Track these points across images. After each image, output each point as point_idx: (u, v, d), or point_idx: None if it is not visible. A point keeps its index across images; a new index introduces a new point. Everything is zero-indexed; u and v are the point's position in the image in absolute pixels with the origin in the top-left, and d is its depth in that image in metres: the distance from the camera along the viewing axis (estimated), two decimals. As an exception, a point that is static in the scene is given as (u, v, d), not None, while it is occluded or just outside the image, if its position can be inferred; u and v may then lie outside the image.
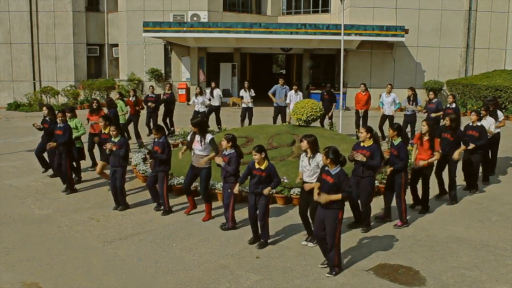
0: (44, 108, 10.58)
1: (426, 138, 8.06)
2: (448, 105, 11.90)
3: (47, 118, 10.38)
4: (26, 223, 7.95)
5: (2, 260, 6.53)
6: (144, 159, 10.99)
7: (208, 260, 6.51)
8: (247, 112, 14.76)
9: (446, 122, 8.91)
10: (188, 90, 22.61)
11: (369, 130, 7.37)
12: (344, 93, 17.87)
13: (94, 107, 11.34)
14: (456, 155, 8.62)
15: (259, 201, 6.83)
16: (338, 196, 5.81)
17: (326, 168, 6.04)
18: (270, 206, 8.46)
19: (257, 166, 6.79)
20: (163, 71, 23.10)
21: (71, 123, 10.11)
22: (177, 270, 6.22)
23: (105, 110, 11.81)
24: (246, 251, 6.78)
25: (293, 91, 14.09)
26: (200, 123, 8.00)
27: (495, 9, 21.70)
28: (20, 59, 23.62)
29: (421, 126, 8.19)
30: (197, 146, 7.92)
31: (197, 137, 7.91)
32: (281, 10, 25.23)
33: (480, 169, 9.85)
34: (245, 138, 10.67)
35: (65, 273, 6.18)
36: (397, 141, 7.60)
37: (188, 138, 8.22)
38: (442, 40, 21.66)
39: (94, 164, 11.03)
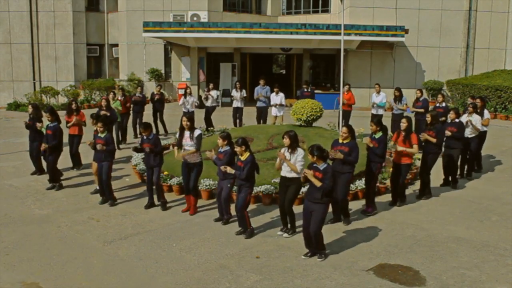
0: (30, 106, 10.82)
1: (403, 134, 8.42)
2: (437, 104, 12.01)
3: (31, 115, 10.59)
4: (26, 223, 7.95)
5: (2, 260, 6.53)
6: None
7: (208, 260, 6.51)
8: (237, 113, 14.78)
9: (427, 119, 9.15)
10: (188, 90, 22.60)
11: (350, 129, 7.66)
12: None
13: (73, 108, 11.08)
14: (423, 136, 8.83)
15: (239, 194, 7.21)
16: (318, 183, 6.19)
17: (314, 164, 6.38)
18: (271, 206, 8.52)
19: (240, 157, 7.22)
20: (163, 71, 23.09)
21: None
22: (177, 270, 6.22)
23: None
24: (246, 251, 6.78)
25: (274, 93, 13.98)
26: (192, 119, 8.35)
27: (495, 9, 21.68)
28: (20, 59, 23.61)
29: (401, 123, 8.50)
30: (187, 142, 8.15)
31: (187, 133, 8.16)
32: (281, 10, 25.21)
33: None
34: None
35: (65, 273, 6.18)
36: (378, 134, 8.04)
37: (177, 136, 8.41)
38: (442, 40, 21.64)
39: (75, 164, 11.16)
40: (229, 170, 7.19)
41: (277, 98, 13.87)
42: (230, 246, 6.97)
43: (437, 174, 9.85)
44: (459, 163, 10.03)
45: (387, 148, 8.98)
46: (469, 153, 10.32)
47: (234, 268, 6.29)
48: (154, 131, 8.77)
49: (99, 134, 8.68)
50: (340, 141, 7.65)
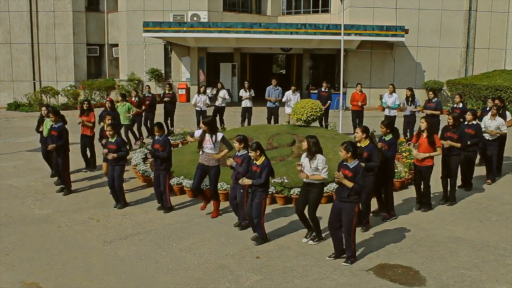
0: (44, 108, 10.61)
1: (425, 135, 8.15)
2: (455, 105, 12.00)
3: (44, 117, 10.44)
4: (26, 223, 7.95)
5: (2, 260, 6.53)
6: (144, 159, 11.00)
7: (208, 260, 6.51)
8: (246, 112, 14.80)
9: (448, 121, 8.85)
10: (188, 90, 22.62)
11: (365, 130, 7.36)
12: (344, 93, 17.86)
13: (85, 108, 11.07)
14: (447, 143, 8.54)
15: (253, 199, 6.92)
16: (350, 184, 6.04)
17: (345, 162, 6.23)
18: (271, 206, 8.52)
19: (254, 162, 6.96)
20: (163, 71, 23.10)
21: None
22: (177, 270, 6.22)
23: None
24: (246, 251, 6.78)
25: (290, 91, 14.08)
26: (211, 122, 8.11)
27: (495, 9, 21.69)
28: (20, 59, 23.62)
29: (420, 123, 8.26)
30: (208, 145, 8.00)
31: (208, 136, 7.99)
32: (281, 10, 25.22)
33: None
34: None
35: (65, 273, 6.18)
36: (388, 137, 7.82)
37: (196, 134, 8.26)
38: (442, 40, 21.65)
39: (88, 165, 11.10)
40: (246, 181, 6.87)
41: (295, 96, 13.92)
42: (230, 246, 6.97)
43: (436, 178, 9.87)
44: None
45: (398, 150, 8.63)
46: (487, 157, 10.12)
47: (234, 268, 6.29)
48: (165, 131, 8.70)
49: (110, 139, 8.54)
50: (357, 144, 7.22)
